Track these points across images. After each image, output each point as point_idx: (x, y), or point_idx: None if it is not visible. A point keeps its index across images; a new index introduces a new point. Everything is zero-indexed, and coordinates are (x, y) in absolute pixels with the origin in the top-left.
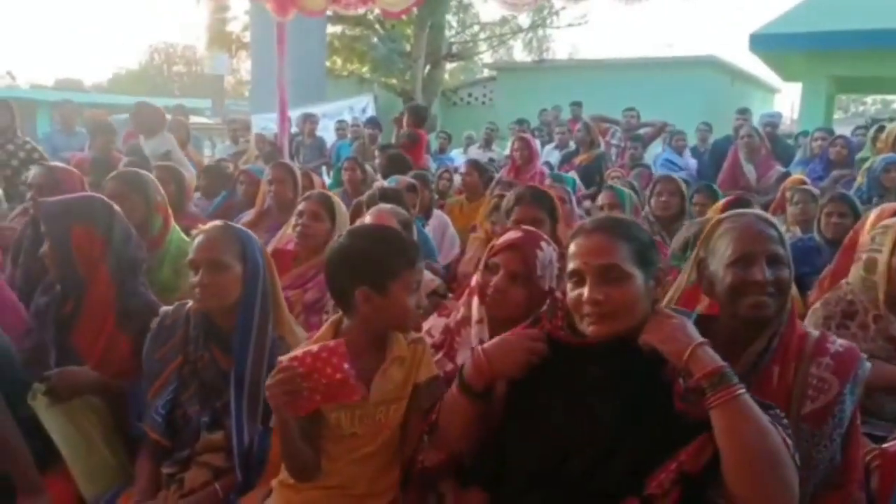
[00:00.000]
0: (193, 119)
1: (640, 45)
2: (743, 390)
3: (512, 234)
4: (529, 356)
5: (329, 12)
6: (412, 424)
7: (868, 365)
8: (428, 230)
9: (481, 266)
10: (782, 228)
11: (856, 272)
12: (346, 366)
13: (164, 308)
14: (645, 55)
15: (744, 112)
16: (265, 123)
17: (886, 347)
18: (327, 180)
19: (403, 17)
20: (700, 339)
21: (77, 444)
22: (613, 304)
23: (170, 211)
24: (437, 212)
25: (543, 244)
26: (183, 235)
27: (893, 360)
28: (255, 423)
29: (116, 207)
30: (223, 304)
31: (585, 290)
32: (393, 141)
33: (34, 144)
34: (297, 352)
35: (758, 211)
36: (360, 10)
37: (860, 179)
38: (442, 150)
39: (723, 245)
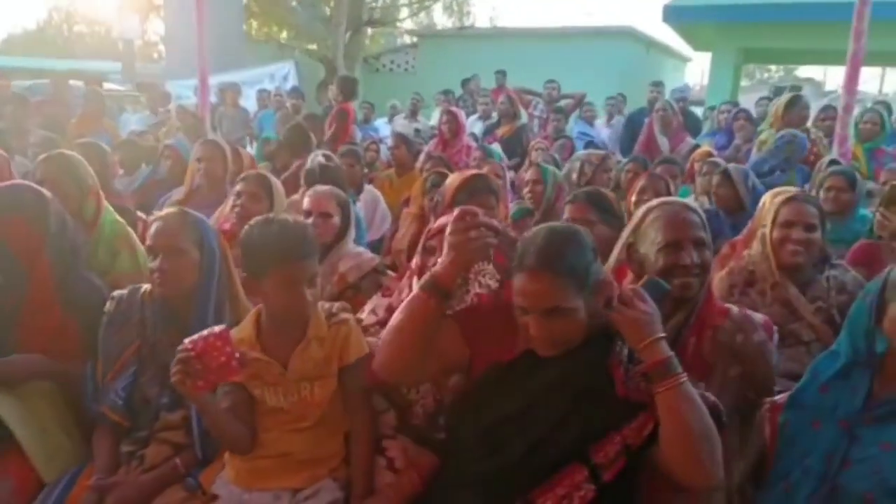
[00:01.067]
0: (105, 86)
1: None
2: (685, 379)
3: (445, 219)
4: (487, 239)
5: None
6: (353, 401)
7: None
8: (359, 206)
9: (419, 248)
10: (691, 198)
11: (756, 245)
12: (228, 349)
13: (118, 292)
14: (565, 24)
15: (657, 85)
16: (181, 91)
17: (782, 311)
18: (251, 151)
19: None
20: (660, 333)
21: (32, 428)
22: (559, 335)
23: (101, 193)
24: (367, 187)
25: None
26: (116, 216)
27: (788, 323)
28: None
29: (48, 194)
30: (181, 288)
31: (531, 323)
32: (319, 110)
33: None
34: (193, 336)
35: (682, 199)
36: None
37: (755, 152)
38: (366, 120)
39: (652, 232)
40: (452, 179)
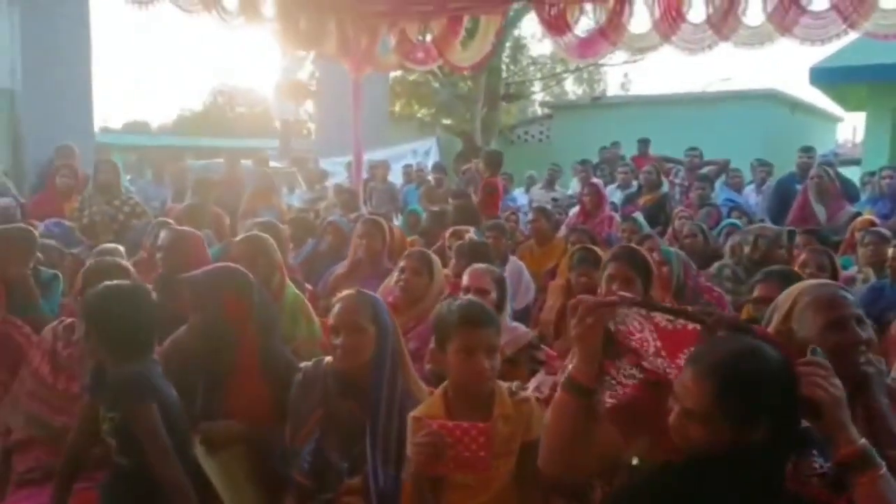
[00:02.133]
0: None
1: (695, 79)
2: (884, 469)
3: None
4: (605, 315)
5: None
6: (528, 480)
7: None
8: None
9: None
10: (853, 269)
11: None
12: (482, 447)
13: (305, 364)
14: (702, 89)
15: (808, 150)
16: (334, 167)
17: None
18: (397, 223)
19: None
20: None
21: (228, 486)
22: (681, 442)
23: (284, 268)
24: (511, 258)
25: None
26: (296, 289)
27: None
28: (389, 468)
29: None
30: (359, 362)
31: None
32: (457, 182)
33: (137, 200)
34: (448, 422)
35: (834, 282)
36: (431, 66)
37: None
38: (504, 191)
39: (810, 314)
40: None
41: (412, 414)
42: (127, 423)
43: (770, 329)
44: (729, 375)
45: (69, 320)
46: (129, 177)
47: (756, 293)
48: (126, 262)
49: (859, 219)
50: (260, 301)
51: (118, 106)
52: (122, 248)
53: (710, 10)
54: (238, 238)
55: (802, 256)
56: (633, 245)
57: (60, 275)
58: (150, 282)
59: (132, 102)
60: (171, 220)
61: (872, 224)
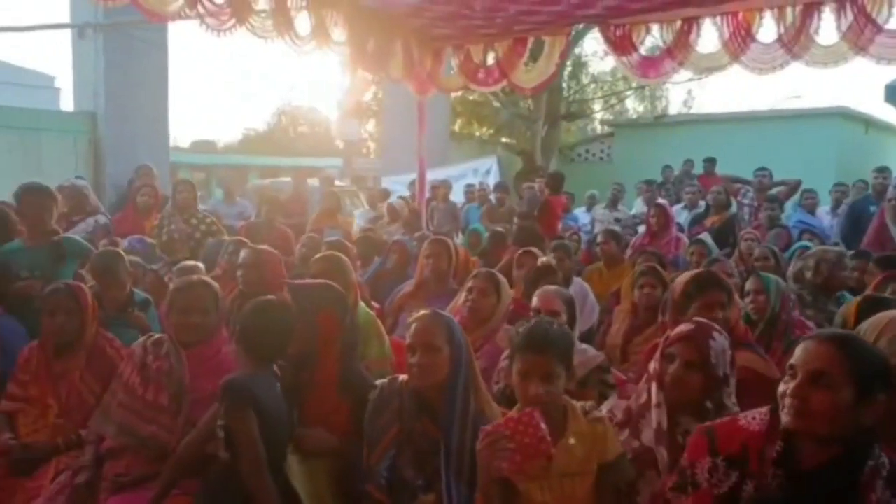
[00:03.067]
0: None
1: (762, 96)
2: None
3: (685, 327)
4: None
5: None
6: (606, 499)
7: None
8: None
9: (658, 354)
10: None
11: None
12: (542, 426)
13: (381, 381)
14: (769, 107)
15: (883, 170)
16: (396, 187)
17: None
18: (458, 241)
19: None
20: None
21: (311, 495)
22: (816, 407)
23: (358, 288)
24: (576, 279)
25: (716, 334)
26: (367, 309)
27: None
28: (462, 486)
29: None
30: (435, 381)
31: (793, 387)
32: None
33: (213, 218)
34: (497, 421)
35: None
36: (494, 88)
37: None
38: (566, 210)
39: None
40: (682, 277)
41: (483, 430)
42: (228, 425)
43: None
44: (851, 339)
45: (157, 336)
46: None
47: (697, 302)
48: (210, 279)
49: None
50: (350, 321)
51: (186, 125)
52: (202, 265)
53: (782, 29)
54: (316, 257)
55: (875, 280)
56: (713, 270)
57: (151, 298)
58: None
59: (199, 121)
60: (246, 239)
61: None
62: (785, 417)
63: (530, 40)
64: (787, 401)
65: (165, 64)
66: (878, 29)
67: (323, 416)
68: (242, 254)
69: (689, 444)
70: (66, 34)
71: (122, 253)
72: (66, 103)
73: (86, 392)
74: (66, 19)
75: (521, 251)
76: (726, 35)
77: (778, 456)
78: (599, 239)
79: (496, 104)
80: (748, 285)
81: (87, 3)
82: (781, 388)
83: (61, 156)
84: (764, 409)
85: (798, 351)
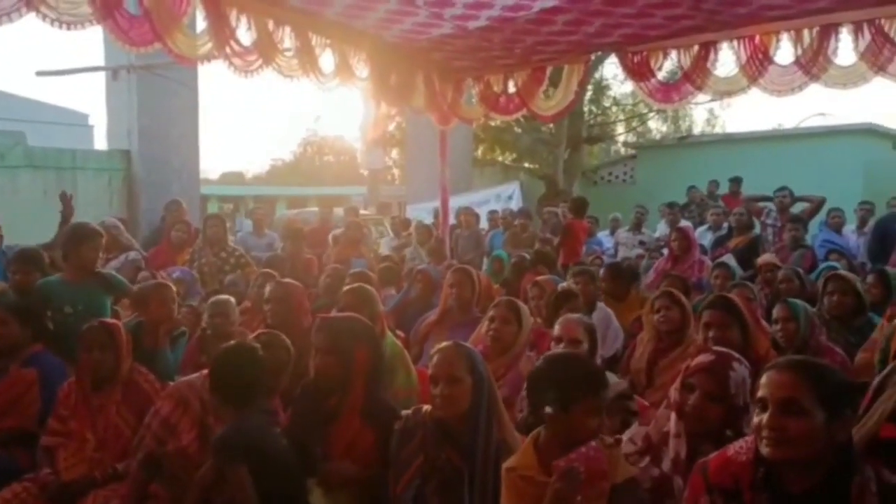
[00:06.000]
0: None
1: (788, 114)
2: None
3: (705, 357)
4: None
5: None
6: None
7: None
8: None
9: (677, 384)
10: None
11: None
12: (602, 459)
13: (406, 411)
14: (795, 125)
15: None
16: (420, 214)
17: None
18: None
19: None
20: None
21: None
22: (793, 434)
23: (384, 319)
24: (599, 304)
25: (735, 364)
26: (394, 339)
27: None
28: None
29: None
30: (458, 412)
31: (766, 418)
32: (540, 229)
33: (241, 251)
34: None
35: None
36: (514, 116)
37: None
38: (590, 234)
39: None
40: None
41: (505, 465)
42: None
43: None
44: (811, 363)
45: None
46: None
47: (703, 319)
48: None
49: None
50: (379, 354)
51: (216, 157)
52: (233, 300)
53: (799, 51)
54: (344, 289)
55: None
56: (726, 294)
57: (186, 331)
58: (254, 329)
59: (228, 153)
60: (275, 273)
61: None
62: (764, 449)
63: (549, 69)
64: (764, 432)
65: (196, 102)
66: None
67: (347, 445)
68: (268, 287)
69: (689, 482)
70: (101, 76)
71: (171, 284)
72: (100, 141)
73: (122, 425)
74: (101, 61)
75: (533, 281)
76: (744, 58)
77: (762, 483)
78: (600, 274)
79: (518, 130)
80: (776, 312)
81: (120, 46)
82: (755, 420)
83: (97, 194)
84: (750, 438)
85: (763, 382)
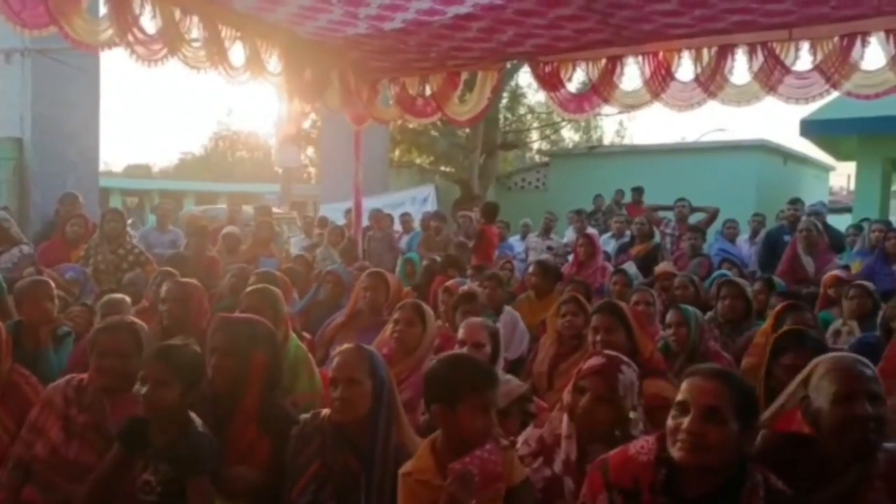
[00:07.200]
0: None
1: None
2: None
3: (596, 360)
4: None
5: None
6: None
7: None
8: (498, 326)
9: (570, 387)
10: (837, 323)
11: None
12: (498, 461)
13: (304, 416)
14: (697, 138)
15: (795, 202)
16: (333, 214)
17: None
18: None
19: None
20: None
21: None
22: (712, 441)
23: (289, 321)
24: (507, 308)
25: (624, 367)
26: (298, 342)
27: None
28: None
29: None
30: (356, 415)
31: (686, 422)
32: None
33: (141, 248)
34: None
35: (854, 354)
36: (430, 120)
37: None
38: (501, 238)
39: (826, 384)
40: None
41: (402, 470)
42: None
43: (788, 391)
44: (732, 374)
45: (79, 377)
46: (130, 220)
47: (592, 323)
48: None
49: (828, 275)
50: (276, 357)
51: (119, 149)
52: (128, 299)
53: (699, 68)
54: (247, 290)
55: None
56: (613, 300)
57: (72, 332)
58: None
59: (133, 145)
60: (175, 271)
61: (840, 281)
62: (678, 452)
63: (463, 74)
64: (682, 436)
65: (97, 90)
66: (787, 70)
67: (243, 452)
68: (165, 287)
69: (586, 480)
70: None
71: (50, 281)
72: None
73: (0, 431)
74: None
75: (443, 286)
76: (647, 74)
77: (662, 485)
78: (531, 270)
79: (434, 133)
80: (669, 317)
81: (12, 28)
82: (671, 423)
83: None
84: (651, 438)
85: (686, 387)
